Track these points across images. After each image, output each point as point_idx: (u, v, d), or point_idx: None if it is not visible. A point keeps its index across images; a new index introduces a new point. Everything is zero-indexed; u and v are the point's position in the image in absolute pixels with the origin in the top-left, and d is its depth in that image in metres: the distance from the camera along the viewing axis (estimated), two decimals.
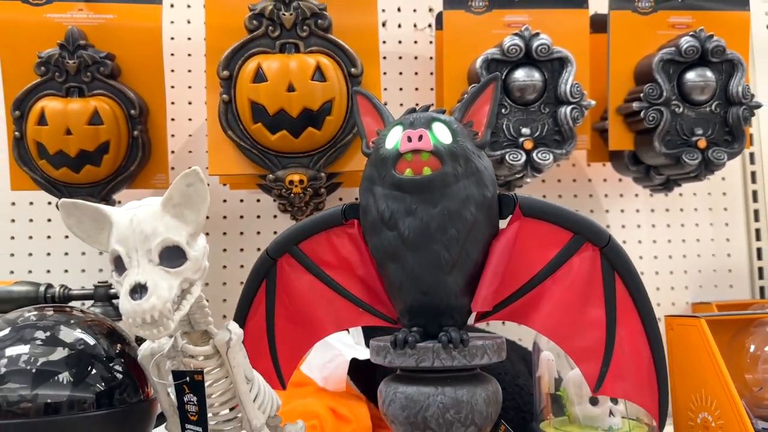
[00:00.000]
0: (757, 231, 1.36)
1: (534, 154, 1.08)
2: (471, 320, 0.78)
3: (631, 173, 1.21)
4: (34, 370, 0.60)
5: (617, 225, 1.34)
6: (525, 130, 1.09)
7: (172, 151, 1.21)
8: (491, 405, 0.73)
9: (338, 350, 0.97)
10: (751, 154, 1.37)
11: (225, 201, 1.25)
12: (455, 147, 0.72)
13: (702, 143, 1.11)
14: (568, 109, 1.08)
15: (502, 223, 0.76)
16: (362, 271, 0.78)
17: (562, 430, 0.81)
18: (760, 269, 1.35)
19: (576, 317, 0.74)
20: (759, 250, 1.36)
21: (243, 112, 0.91)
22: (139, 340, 0.67)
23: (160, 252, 0.56)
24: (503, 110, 1.09)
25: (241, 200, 1.25)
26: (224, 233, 1.25)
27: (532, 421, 0.87)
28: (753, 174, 1.37)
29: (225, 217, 1.25)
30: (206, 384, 0.63)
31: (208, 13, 1.00)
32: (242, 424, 0.65)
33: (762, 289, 1.35)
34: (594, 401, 0.80)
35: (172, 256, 0.56)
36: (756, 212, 1.37)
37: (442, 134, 0.72)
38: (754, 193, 1.37)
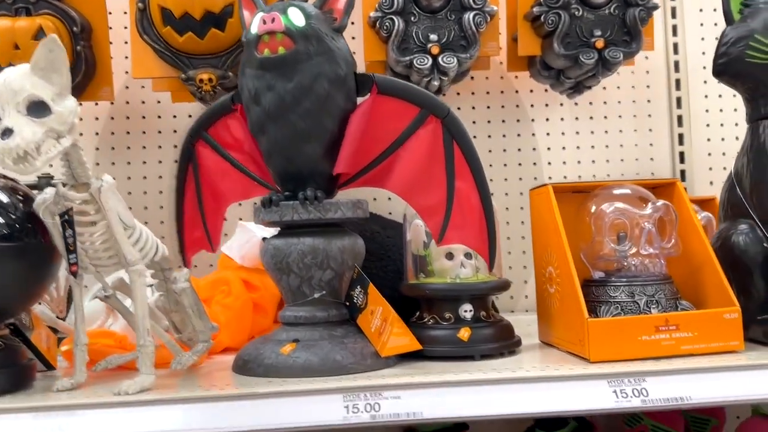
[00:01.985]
0: (680, 136, 1.44)
1: (440, 59, 1.17)
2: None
3: (544, 79, 1.30)
4: None
5: (542, 132, 1.42)
6: (432, 36, 1.18)
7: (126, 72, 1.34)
8: (346, 253, 0.85)
9: (253, 232, 1.10)
10: (676, 63, 1.44)
11: (175, 117, 1.37)
12: (308, 29, 0.83)
13: (599, 44, 1.18)
14: (472, 15, 1.17)
15: None
16: (249, 147, 0.90)
17: (421, 281, 0.92)
18: (683, 172, 1.43)
19: (423, 179, 0.85)
20: (681, 154, 1.43)
21: (155, 17, 1.03)
22: None
23: (27, 105, 0.69)
24: (412, 18, 1.18)
25: (189, 116, 1.38)
26: (174, 146, 1.38)
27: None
28: (678, 81, 1.44)
29: (175, 131, 1.38)
30: (88, 225, 0.76)
31: None
32: (119, 259, 0.78)
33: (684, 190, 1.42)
34: (450, 256, 0.90)
35: (39, 109, 0.69)
36: (680, 118, 1.44)
37: (296, 18, 0.83)
38: (678, 99, 1.44)
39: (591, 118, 1.43)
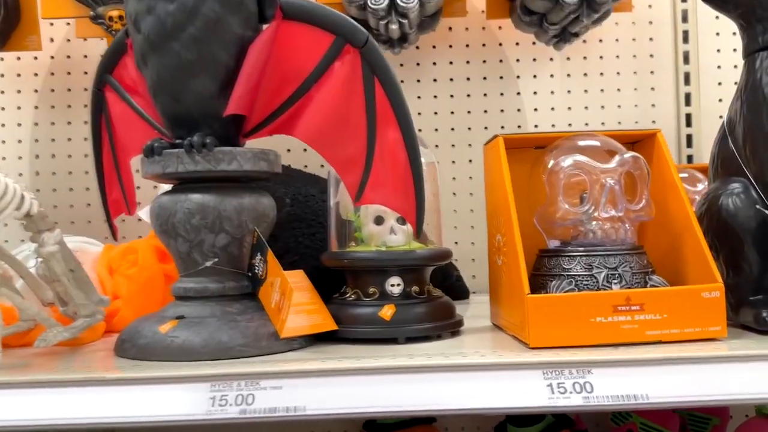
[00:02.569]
0: (687, 96, 1.26)
1: None
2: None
3: (525, 26, 1.13)
4: None
5: (529, 91, 1.26)
6: None
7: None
8: (245, 214, 0.71)
9: None
10: (684, 12, 1.26)
11: None
12: None
13: None
14: None
15: None
16: (144, 88, 0.77)
17: (347, 248, 0.78)
18: (689, 137, 1.25)
19: (339, 125, 0.71)
20: (688, 116, 1.26)
21: None
22: None
23: None
24: None
25: None
26: None
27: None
28: (685, 33, 1.26)
29: None
30: None
31: None
32: None
33: (690, 157, 1.25)
34: (379, 221, 0.76)
35: None
36: (687, 75, 1.26)
37: None
38: (686, 54, 1.26)
39: (585, 74, 1.26)
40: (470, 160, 1.26)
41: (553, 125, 1.26)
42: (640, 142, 0.81)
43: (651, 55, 1.26)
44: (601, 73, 1.26)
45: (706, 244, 0.68)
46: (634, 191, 0.71)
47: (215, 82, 0.70)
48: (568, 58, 1.26)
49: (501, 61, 1.26)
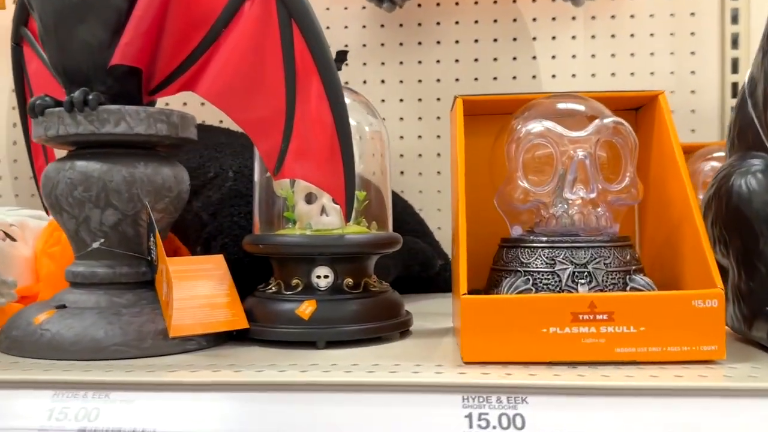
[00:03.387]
0: (735, 61, 1.07)
1: None
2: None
3: None
4: None
5: (546, 56, 1.10)
6: None
7: None
8: (136, 186, 0.59)
9: None
10: None
11: None
12: None
13: None
14: None
15: None
16: None
17: (264, 233, 0.65)
18: None
19: (251, 80, 0.58)
20: (734, 86, 1.07)
21: None
22: None
23: None
24: None
25: None
26: None
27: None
28: None
29: None
30: None
31: None
32: None
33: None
34: (310, 198, 0.63)
35: None
36: (735, 37, 1.07)
37: None
38: (735, 12, 1.07)
39: (612, 36, 1.09)
40: None
41: None
42: (642, 108, 0.66)
43: (692, 14, 1.08)
44: (632, 35, 1.09)
45: (707, 237, 0.53)
46: (618, 167, 0.56)
47: (105, 29, 0.59)
48: (593, 17, 1.09)
49: (515, 20, 1.10)
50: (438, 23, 1.11)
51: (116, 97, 0.60)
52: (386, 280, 0.85)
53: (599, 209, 0.54)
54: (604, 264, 0.53)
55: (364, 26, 1.12)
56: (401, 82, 1.12)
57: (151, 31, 0.58)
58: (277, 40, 0.57)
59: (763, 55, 0.54)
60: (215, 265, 0.63)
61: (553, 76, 1.10)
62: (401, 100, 1.12)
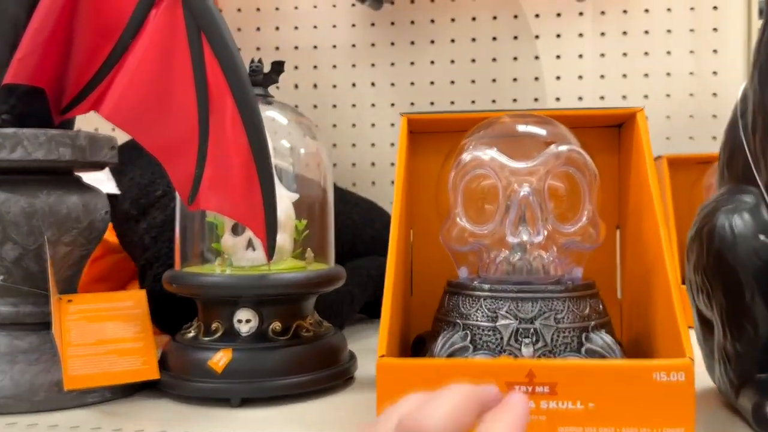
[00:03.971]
0: None
1: None
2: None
3: None
4: None
5: (551, 55, 1.00)
6: None
7: None
8: (37, 218, 0.53)
9: None
10: None
11: None
12: None
13: None
14: None
15: None
16: None
17: (184, 270, 0.58)
18: None
19: (160, 102, 0.51)
20: None
21: None
22: None
23: None
24: None
25: None
26: None
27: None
28: None
29: None
30: None
31: None
32: None
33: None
34: (235, 229, 0.56)
35: None
36: None
37: None
38: (762, 5, 0.95)
39: (624, 33, 0.99)
40: None
41: (580, 98, 0.99)
42: (623, 125, 0.56)
43: (714, 7, 0.97)
44: (646, 31, 0.98)
45: (677, 290, 0.43)
46: (575, 203, 0.47)
47: (4, 43, 0.52)
48: (603, 12, 0.99)
49: (515, 16, 1.01)
50: (432, 21, 1.02)
51: (23, 118, 0.54)
52: (350, 311, 0.78)
53: (548, 254, 0.45)
54: (555, 319, 0.45)
55: (353, 25, 1.04)
56: (393, 84, 1.03)
57: (51, 43, 0.52)
58: (187, 55, 0.50)
59: (754, 69, 0.45)
60: (135, 302, 0.56)
61: (558, 77, 1.00)
62: (392, 105, 1.04)
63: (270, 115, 0.58)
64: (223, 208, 0.51)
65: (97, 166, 0.57)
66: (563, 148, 0.45)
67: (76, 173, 0.58)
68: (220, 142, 0.50)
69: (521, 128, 0.50)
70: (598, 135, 0.57)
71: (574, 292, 0.46)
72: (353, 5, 1.03)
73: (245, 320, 0.53)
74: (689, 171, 0.91)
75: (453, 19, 1.02)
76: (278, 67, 0.58)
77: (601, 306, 0.47)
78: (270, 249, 0.50)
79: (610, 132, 0.58)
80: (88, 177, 0.60)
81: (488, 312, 0.45)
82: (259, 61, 0.58)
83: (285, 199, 0.56)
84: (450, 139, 0.54)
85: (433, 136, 0.58)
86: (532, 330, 0.44)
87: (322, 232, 0.59)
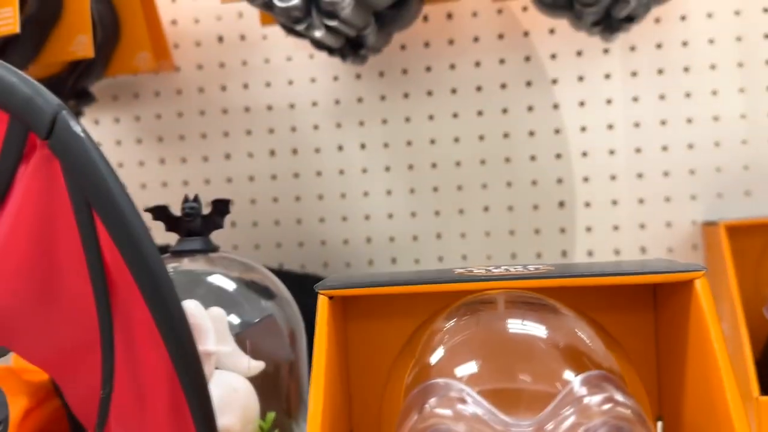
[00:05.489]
0: None
1: None
2: None
3: (548, 9, 0.72)
4: None
5: (572, 102, 0.84)
6: None
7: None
8: None
9: None
10: None
11: None
12: None
13: None
14: None
15: None
16: None
17: None
18: None
19: (41, 295, 0.35)
20: None
21: None
22: None
23: None
24: None
25: None
26: None
27: None
28: None
29: None
30: None
31: None
32: None
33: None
34: None
35: None
36: None
37: None
38: None
39: (660, 71, 0.82)
40: (486, 208, 0.86)
41: (611, 152, 0.83)
42: (671, 288, 0.40)
43: (765, 35, 0.80)
44: (686, 68, 0.82)
45: None
46: None
47: None
48: (633, 48, 0.82)
49: (528, 58, 0.84)
50: (428, 69, 0.86)
51: None
52: None
53: None
54: None
55: (335, 78, 0.88)
56: (386, 145, 0.87)
57: None
58: (74, 227, 0.34)
59: None
60: None
61: (583, 128, 0.84)
62: (387, 169, 0.87)
63: (213, 283, 0.42)
64: None
65: None
66: (597, 399, 0.28)
67: None
68: (131, 354, 0.34)
69: (516, 328, 0.33)
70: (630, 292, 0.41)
71: None
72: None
73: None
74: (753, 237, 0.75)
75: (452, 66, 0.86)
76: (222, 206, 0.42)
77: None
78: None
79: (645, 292, 0.42)
80: None
81: None
82: (195, 199, 0.42)
83: (240, 393, 0.40)
84: (399, 328, 0.37)
85: (372, 323, 0.41)
86: None
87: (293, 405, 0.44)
